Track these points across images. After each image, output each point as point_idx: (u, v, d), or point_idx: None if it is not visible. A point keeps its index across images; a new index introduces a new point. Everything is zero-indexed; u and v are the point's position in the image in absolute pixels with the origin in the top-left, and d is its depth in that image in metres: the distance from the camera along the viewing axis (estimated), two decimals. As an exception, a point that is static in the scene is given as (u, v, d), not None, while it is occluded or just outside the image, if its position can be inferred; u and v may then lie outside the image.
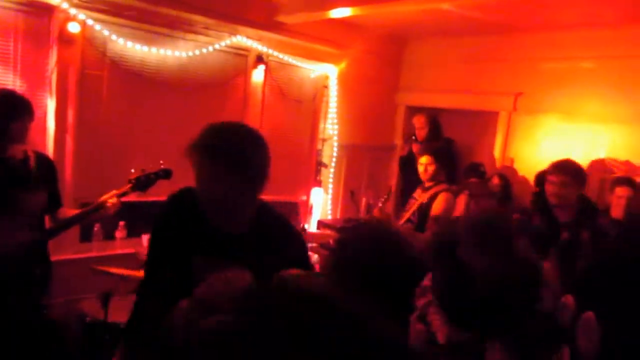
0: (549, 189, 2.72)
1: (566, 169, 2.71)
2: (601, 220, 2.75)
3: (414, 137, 4.75)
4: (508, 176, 4.18)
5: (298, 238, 1.66)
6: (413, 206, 3.51)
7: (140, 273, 2.61)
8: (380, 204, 3.72)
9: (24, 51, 3.07)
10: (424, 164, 3.47)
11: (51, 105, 3.19)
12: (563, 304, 1.30)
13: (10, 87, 2.92)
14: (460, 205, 3.59)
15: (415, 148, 4.63)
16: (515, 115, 4.49)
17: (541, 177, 3.18)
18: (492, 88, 4.64)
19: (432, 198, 3.41)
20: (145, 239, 3.67)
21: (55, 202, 2.51)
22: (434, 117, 4.82)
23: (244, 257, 1.29)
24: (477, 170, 4.24)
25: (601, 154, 3.87)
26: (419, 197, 3.53)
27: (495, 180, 4.10)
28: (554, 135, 4.20)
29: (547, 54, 4.24)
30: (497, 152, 4.61)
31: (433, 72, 5.10)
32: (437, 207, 3.35)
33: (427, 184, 3.50)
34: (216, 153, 1.34)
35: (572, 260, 2.31)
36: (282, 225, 1.59)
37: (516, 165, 4.45)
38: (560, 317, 1.29)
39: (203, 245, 1.44)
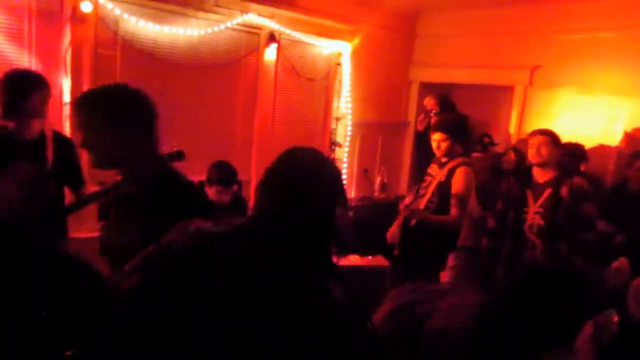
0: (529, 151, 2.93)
1: (543, 131, 2.91)
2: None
3: (433, 113, 4.68)
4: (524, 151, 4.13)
5: (199, 207, 1.67)
6: (431, 185, 3.39)
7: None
8: (407, 201, 3.55)
9: (38, 31, 3.08)
10: (437, 140, 3.37)
11: (66, 84, 3.21)
12: (616, 268, 1.32)
13: (25, 66, 2.93)
14: None
15: (433, 122, 4.59)
16: (531, 89, 4.42)
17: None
18: (507, 62, 4.55)
19: (450, 174, 3.28)
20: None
21: (75, 180, 2.53)
22: (446, 96, 4.76)
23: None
24: (481, 142, 4.18)
25: (619, 127, 3.79)
26: (436, 174, 3.42)
27: (511, 156, 4.05)
28: (572, 109, 4.12)
29: (564, 25, 4.14)
30: (512, 128, 4.55)
31: (447, 47, 5.02)
32: (457, 184, 3.23)
33: (442, 160, 3.42)
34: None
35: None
36: (181, 189, 1.66)
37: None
38: (612, 281, 1.32)
39: None
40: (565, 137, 2.98)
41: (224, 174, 3.10)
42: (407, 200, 3.38)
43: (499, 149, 4.52)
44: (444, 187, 3.22)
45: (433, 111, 4.66)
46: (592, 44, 3.97)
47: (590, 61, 3.97)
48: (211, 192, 3.15)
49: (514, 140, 4.48)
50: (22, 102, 2.30)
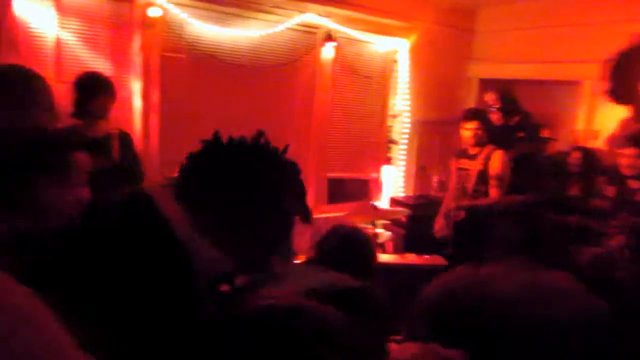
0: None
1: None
2: None
3: (494, 108, 4.54)
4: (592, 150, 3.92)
5: None
6: (470, 177, 3.40)
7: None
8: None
9: (111, 37, 3.27)
10: (473, 129, 3.35)
11: (137, 86, 3.38)
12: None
13: (100, 70, 3.11)
14: None
15: (495, 117, 4.46)
16: (601, 84, 4.17)
17: None
18: (574, 55, 4.32)
19: (487, 160, 3.33)
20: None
21: (137, 175, 2.67)
22: (507, 91, 4.59)
23: None
24: (532, 132, 4.07)
25: None
26: (470, 166, 3.42)
27: (576, 154, 3.86)
28: (648, 104, 3.86)
29: (637, 14, 3.88)
30: (580, 125, 4.33)
31: (508, 42, 4.84)
32: (495, 166, 3.28)
33: (472, 151, 3.40)
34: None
35: None
36: None
37: (602, 138, 4.15)
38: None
39: None
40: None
41: None
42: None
43: (565, 147, 4.32)
44: (486, 174, 3.26)
45: (494, 106, 4.52)
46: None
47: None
48: None
49: (581, 139, 4.27)
50: (88, 104, 2.49)
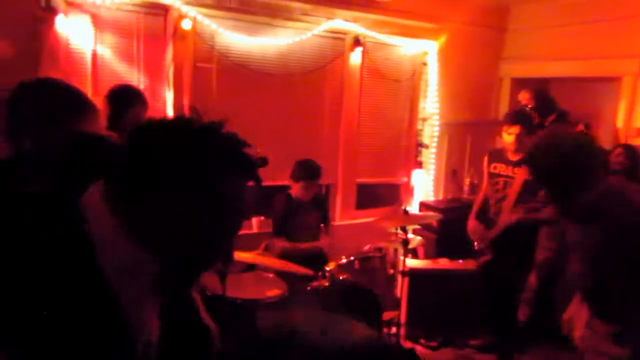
0: None
1: None
2: None
3: (528, 108, 4.43)
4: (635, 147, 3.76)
5: None
6: (513, 186, 3.20)
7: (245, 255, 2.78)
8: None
9: (145, 50, 3.37)
10: (515, 133, 3.12)
11: (169, 96, 3.48)
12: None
13: (134, 83, 3.23)
14: None
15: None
16: (641, 79, 4.02)
17: None
18: (611, 51, 4.18)
19: None
20: (255, 221, 3.90)
21: None
22: (542, 90, 4.47)
23: None
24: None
25: None
26: (512, 173, 3.25)
27: (618, 151, 3.71)
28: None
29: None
30: (620, 122, 4.17)
31: (541, 39, 4.72)
32: None
33: (512, 157, 3.22)
34: None
35: None
36: None
37: (644, 137, 3.99)
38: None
39: None
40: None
41: (309, 170, 3.27)
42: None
43: (605, 145, 4.17)
44: (533, 184, 3.07)
45: (529, 106, 4.41)
46: None
47: None
48: (296, 187, 3.32)
49: (622, 136, 4.11)
50: (121, 116, 2.58)
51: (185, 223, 0.81)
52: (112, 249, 0.78)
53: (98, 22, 3.18)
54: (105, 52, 3.23)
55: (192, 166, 0.81)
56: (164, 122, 0.87)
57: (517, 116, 3.26)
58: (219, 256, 0.92)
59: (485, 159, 3.51)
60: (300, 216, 3.37)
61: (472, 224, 3.47)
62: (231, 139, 0.90)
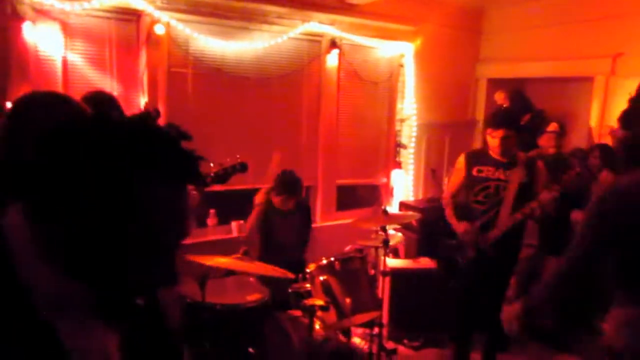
0: None
1: None
2: None
3: (503, 107, 4.49)
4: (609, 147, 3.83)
5: None
6: (510, 190, 3.08)
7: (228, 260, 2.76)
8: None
9: (117, 56, 3.34)
10: (500, 137, 2.95)
11: (144, 103, 3.44)
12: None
13: (108, 90, 3.18)
14: None
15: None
16: (613, 79, 4.10)
17: None
18: (584, 51, 4.26)
19: (532, 171, 3.00)
20: (234, 225, 3.87)
21: None
22: (518, 90, 4.54)
23: None
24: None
25: None
26: (508, 176, 3.14)
27: (596, 153, 3.78)
28: (662, 98, 3.77)
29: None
30: (593, 121, 4.25)
31: (515, 40, 4.79)
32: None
33: (501, 159, 3.04)
34: None
35: None
36: None
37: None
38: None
39: None
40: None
41: (288, 184, 3.26)
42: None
43: (580, 144, 4.26)
44: (527, 187, 2.95)
45: (504, 105, 4.48)
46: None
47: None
48: (277, 200, 3.32)
49: (596, 135, 4.19)
50: None
51: (110, 243, 0.69)
52: (37, 280, 0.69)
53: (68, 29, 3.13)
54: (76, 59, 3.18)
55: (113, 173, 0.67)
56: (74, 122, 0.73)
57: (500, 119, 3.09)
58: (156, 278, 0.79)
59: (463, 160, 3.30)
60: (281, 222, 3.36)
61: (464, 226, 3.18)
62: (164, 134, 0.74)
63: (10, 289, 0.68)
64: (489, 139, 3.06)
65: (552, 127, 4.04)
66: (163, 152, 0.73)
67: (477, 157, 3.19)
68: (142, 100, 3.44)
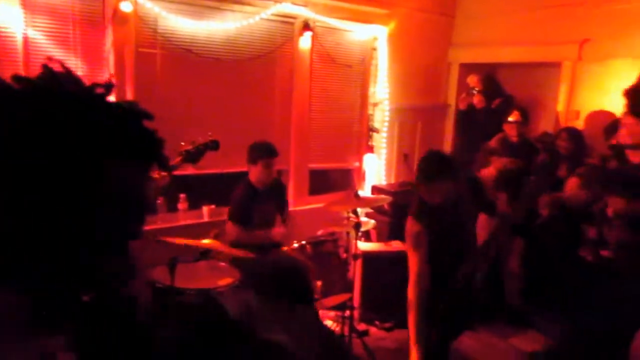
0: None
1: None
2: None
3: (475, 91, 4.53)
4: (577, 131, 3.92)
5: None
6: None
7: (201, 242, 2.73)
8: None
9: (82, 34, 3.21)
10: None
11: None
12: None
13: (72, 69, 3.06)
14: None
15: (476, 99, 4.46)
16: (580, 64, 4.19)
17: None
18: (553, 37, 4.33)
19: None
20: (205, 210, 3.82)
21: None
22: (489, 75, 4.59)
23: None
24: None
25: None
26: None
27: (564, 135, 3.87)
28: (627, 83, 3.87)
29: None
30: (561, 106, 4.34)
31: (488, 26, 4.83)
32: None
33: None
34: None
35: None
36: None
37: (582, 119, 4.17)
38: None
39: None
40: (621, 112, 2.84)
41: (266, 148, 3.25)
42: None
43: (548, 128, 4.35)
44: None
45: (476, 89, 4.52)
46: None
47: (645, 31, 3.72)
48: (256, 170, 3.26)
49: (563, 119, 4.29)
50: None
51: (54, 235, 0.57)
52: None
53: (27, 3, 2.98)
54: (38, 36, 3.05)
55: (57, 149, 0.57)
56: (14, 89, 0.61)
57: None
58: (107, 272, 0.68)
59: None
60: (258, 204, 3.33)
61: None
62: (119, 108, 0.67)
63: None
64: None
65: (514, 116, 4.13)
66: (114, 128, 0.64)
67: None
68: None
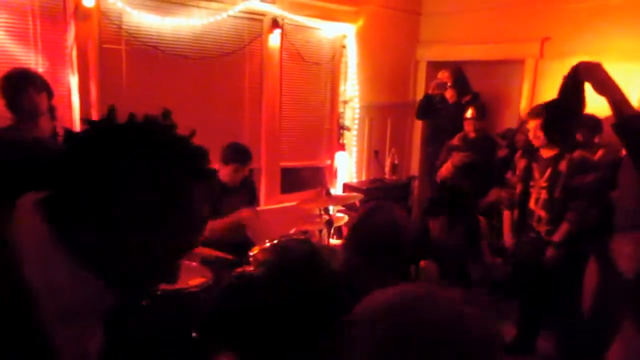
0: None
1: (538, 113, 2.98)
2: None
3: (447, 85, 4.58)
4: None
5: None
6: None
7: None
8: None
9: (42, 30, 3.10)
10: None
11: (74, 81, 3.23)
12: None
13: (33, 66, 2.96)
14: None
15: (448, 94, 4.51)
16: (542, 61, 4.33)
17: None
18: (516, 35, 4.45)
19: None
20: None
21: None
22: (460, 70, 4.68)
23: None
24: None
25: (635, 93, 3.70)
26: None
27: (523, 130, 3.99)
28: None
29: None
30: (524, 102, 4.47)
31: (454, 24, 4.93)
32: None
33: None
34: None
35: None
36: None
37: (545, 114, 4.31)
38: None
39: None
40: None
41: (240, 153, 3.21)
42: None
43: (513, 125, 4.48)
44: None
45: (448, 83, 4.59)
46: (603, 11, 3.86)
47: (602, 28, 3.87)
48: (226, 171, 3.23)
49: (525, 115, 4.41)
50: (16, 100, 2.38)
51: (152, 245, 0.70)
52: (51, 283, 0.65)
53: (-17, -3, 2.86)
54: (-5, 32, 2.92)
55: (158, 175, 0.70)
56: (110, 124, 0.74)
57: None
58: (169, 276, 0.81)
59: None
60: (228, 198, 3.29)
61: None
62: (185, 140, 0.81)
63: (9, 293, 0.63)
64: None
65: (470, 113, 4.23)
66: (192, 152, 0.78)
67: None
68: (72, 79, 3.23)
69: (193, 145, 0.81)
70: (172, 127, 0.80)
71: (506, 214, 3.33)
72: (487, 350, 0.62)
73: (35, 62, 3.06)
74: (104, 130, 0.73)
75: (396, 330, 0.62)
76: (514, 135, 4.17)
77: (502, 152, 4.21)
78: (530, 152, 3.19)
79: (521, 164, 3.21)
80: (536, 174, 3.08)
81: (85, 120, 0.75)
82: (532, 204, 3.08)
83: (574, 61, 4.24)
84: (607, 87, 1.73)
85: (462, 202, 3.93)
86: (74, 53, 3.21)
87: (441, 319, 0.62)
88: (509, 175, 3.40)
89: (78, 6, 3.15)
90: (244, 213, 3.28)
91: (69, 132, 0.73)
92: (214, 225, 3.14)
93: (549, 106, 2.24)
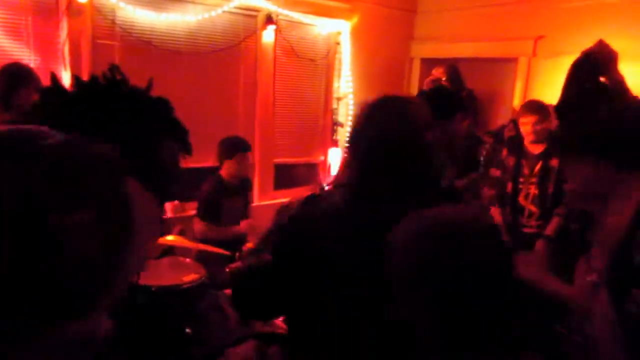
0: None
1: (534, 109, 3.11)
2: None
3: (442, 81, 4.59)
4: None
5: None
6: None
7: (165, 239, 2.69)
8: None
9: (35, 25, 3.08)
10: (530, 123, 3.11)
11: (66, 77, 3.22)
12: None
13: (25, 61, 2.94)
14: None
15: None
16: (535, 60, 4.35)
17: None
18: (510, 33, 4.47)
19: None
20: (168, 206, 3.75)
21: None
22: (454, 67, 4.69)
23: None
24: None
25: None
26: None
27: (510, 127, 4.01)
28: (577, 79, 4.06)
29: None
30: (516, 100, 4.50)
31: (448, 21, 4.94)
32: None
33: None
34: None
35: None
36: None
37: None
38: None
39: None
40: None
41: (239, 141, 3.25)
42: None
43: (503, 122, 4.49)
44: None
45: (443, 78, 4.60)
46: (596, 10, 3.89)
47: (595, 28, 3.88)
48: (231, 164, 3.23)
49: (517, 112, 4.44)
50: (11, 97, 2.37)
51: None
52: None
53: (-25, -8, 2.84)
54: (-13, 27, 2.91)
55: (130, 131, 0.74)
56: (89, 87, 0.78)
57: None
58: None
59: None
60: (227, 200, 3.30)
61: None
62: (163, 102, 0.86)
63: None
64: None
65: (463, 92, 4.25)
66: (167, 113, 0.85)
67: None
68: (65, 74, 3.22)
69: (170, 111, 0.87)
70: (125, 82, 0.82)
71: (495, 210, 3.35)
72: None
73: (28, 57, 3.04)
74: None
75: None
76: (500, 132, 4.19)
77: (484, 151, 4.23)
78: (518, 148, 3.22)
79: (510, 161, 3.23)
80: (525, 170, 3.11)
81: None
82: (522, 200, 3.12)
83: (567, 60, 4.26)
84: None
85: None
86: (67, 48, 3.19)
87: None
88: (493, 171, 3.40)
89: (71, 1, 3.14)
90: (242, 227, 3.30)
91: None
92: (212, 237, 3.15)
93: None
